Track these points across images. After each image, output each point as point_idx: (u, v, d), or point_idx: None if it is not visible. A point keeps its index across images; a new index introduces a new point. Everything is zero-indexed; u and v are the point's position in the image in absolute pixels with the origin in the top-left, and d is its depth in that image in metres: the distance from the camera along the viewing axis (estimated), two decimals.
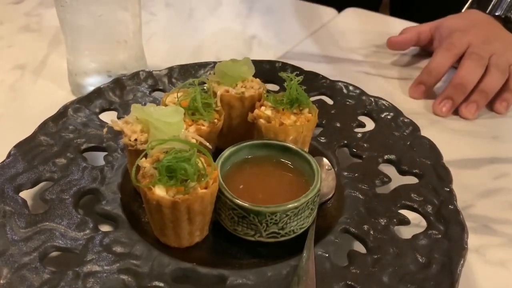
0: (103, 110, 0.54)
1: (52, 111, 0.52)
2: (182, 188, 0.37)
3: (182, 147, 0.39)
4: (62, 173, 0.45)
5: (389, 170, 0.49)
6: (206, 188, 0.38)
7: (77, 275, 0.36)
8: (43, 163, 0.46)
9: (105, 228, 0.42)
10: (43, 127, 0.50)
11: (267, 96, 0.47)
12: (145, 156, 0.39)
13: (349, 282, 0.37)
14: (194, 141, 0.41)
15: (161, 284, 0.36)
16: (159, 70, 0.60)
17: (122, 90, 0.56)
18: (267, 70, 0.61)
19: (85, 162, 0.47)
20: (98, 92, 0.55)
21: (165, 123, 0.40)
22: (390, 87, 0.71)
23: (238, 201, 0.39)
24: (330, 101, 0.58)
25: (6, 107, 0.63)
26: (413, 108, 0.66)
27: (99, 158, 0.49)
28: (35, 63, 0.72)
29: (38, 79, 0.69)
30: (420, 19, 0.84)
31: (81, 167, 0.46)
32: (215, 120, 0.45)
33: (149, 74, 0.59)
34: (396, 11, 1.04)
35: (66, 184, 0.44)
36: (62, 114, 0.52)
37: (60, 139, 0.49)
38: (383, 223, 0.42)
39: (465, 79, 0.64)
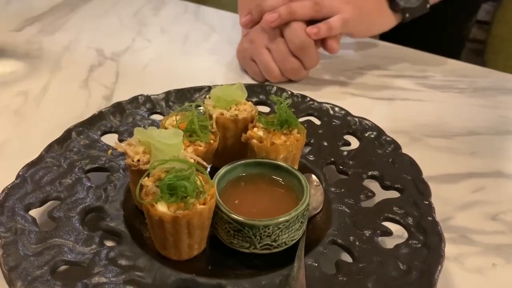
0: (104, 132, 0.57)
1: (55, 134, 0.55)
2: (182, 204, 0.40)
3: (182, 166, 0.42)
4: (68, 192, 0.48)
5: (373, 185, 0.53)
6: (204, 204, 0.41)
7: (86, 286, 0.39)
8: (50, 183, 0.49)
9: (110, 243, 0.45)
10: (49, 149, 0.53)
11: (259, 118, 0.51)
12: (148, 175, 0.42)
13: None
14: (192, 160, 0.44)
15: None
16: (157, 95, 0.64)
17: (122, 114, 0.60)
18: (259, 93, 0.65)
19: (89, 181, 0.50)
20: (99, 116, 0.59)
21: (165, 144, 0.43)
22: (374, 107, 0.75)
23: (233, 215, 0.43)
24: (317, 122, 0.62)
25: (11, 131, 0.66)
26: (396, 127, 0.70)
27: (102, 178, 0.52)
28: (37, 89, 0.75)
29: (41, 104, 0.72)
30: (407, 42, 0.89)
31: (86, 187, 0.49)
32: (211, 141, 0.49)
33: (148, 98, 0.63)
34: (384, 34, 1.09)
35: (72, 202, 0.47)
36: (66, 137, 0.55)
37: (65, 161, 0.52)
38: (367, 235, 0.46)
39: None
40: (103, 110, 0.60)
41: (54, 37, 0.93)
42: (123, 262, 0.42)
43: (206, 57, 0.88)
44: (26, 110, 0.70)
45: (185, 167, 0.42)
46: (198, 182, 0.42)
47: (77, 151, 0.54)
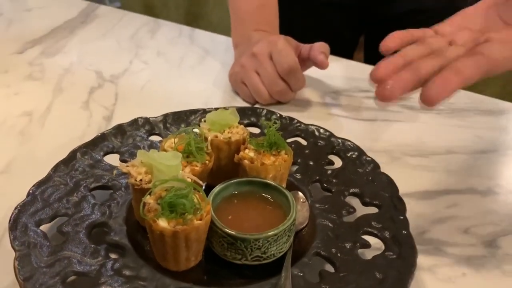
0: (107, 153, 0.62)
1: (59, 152, 0.60)
2: (181, 220, 0.45)
3: (180, 185, 0.47)
4: (75, 209, 0.52)
5: (354, 201, 0.58)
6: (201, 219, 0.46)
7: None
8: (59, 200, 0.53)
9: (114, 255, 0.49)
10: (56, 169, 0.57)
11: (250, 140, 0.56)
12: (150, 193, 0.47)
13: None
14: (189, 180, 0.49)
15: None
16: (155, 117, 0.69)
17: (123, 135, 0.65)
18: (250, 116, 0.70)
19: (94, 199, 0.54)
20: (102, 137, 0.63)
21: (165, 165, 0.48)
22: (357, 128, 0.81)
23: (227, 230, 0.47)
24: (304, 142, 0.67)
25: (17, 151, 0.70)
26: (377, 146, 0.75)
27: (106, 195, 0.56)
28: (41, 110, 0.80)
29: (45, 124, 0.76)
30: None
31: (91, 204, 0.54)
32: (207, 161, 0.54)
33: (147, 120, 0.68)
34: (371, 56, 1.14)
35: (79, 218, 0.51)
36: (71, 157, 0.59)
37: (71, 179, 0.56)
38: (348, 247, 0.51)
39: None
40: (105, 132, 0.64)
41: (55, 59, 0.98)
42: (127, 272, 0.46)
43: (201, 79, 0.93)
44: (31, 130, 0.74)
45: (184, 186, 0.47)
46: (195, 200, 0.46)
47: (82, 170, 0.58)
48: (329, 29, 1.15)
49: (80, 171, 0.58)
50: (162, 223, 0.45)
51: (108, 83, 0.90)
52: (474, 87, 1.22)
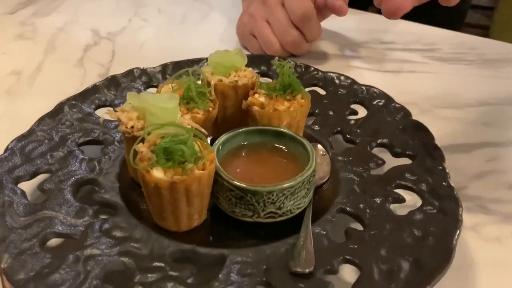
0: (98, 106, 0.55)
1: (48, 111, 0.53)
2: (180, 170, 0.37)
3: (179, 131, 0.39)
4: (60, 165, 0.46)
5: (383, 153, 0.50)
6: (203, 169, 0.38)
7: (77, 259, 0.36)
8: (41, 156, 0.46)
9: (104, 216, 0.42)
10: (40, 123, 0.50)
11: (260, 84, 0.48)
12: (142, 141, 0.40)
13: (348, 257, 0.37)
14: (190, 127, 0.41)
15: (162, 265, 0.37)
16: (153, 67, 0.61)
17: (116, 87, 0.57)
18: (259, 64, 0.62)
19: (82, 154, 0.47)
20: (93, 89, 0.56)
21: (161, 109, 0.40)
22: (380, 80, 0.72)
23: (235, 182, 0.40)
24: (322, 92, 0.59)
25: (2, 110, 0.63)
26: (403, 99, 0.67)
27: (96, 151, 0.49)
28: (30, 69, 0.73)
29: (34, 83, 0.70)
30: (408, 17, 0.85)
31: (79, 159, 0.46)
32: (210, 109, 0.46)
33: (143, 71, 0.60)
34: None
35: (64, 175, 0.44)
36: (58, 110, 0.52)
37: (57, 134, 0.49)
38: (378, 202, 0.43)
39: None
40: (97, 83, 0.57)
41: (48, 19, 0.90)
42: (117, 233, 0.39)
43: (205, 35, 0.85)
44: (19, 89, 0.68)
45: (182, 132, 0.39)
46: (197, 148, 0.39)
47: (69, 124, 0.51)
48: None
49: (67, 125, 0.51)
50: (157, 173, 0.37)
51: (104, 40, 0.82)
52: (507, 37, 1.11)
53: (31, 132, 0.49)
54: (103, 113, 0.50)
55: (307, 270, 0.36)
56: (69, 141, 0.49)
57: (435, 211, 0.42)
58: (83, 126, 0.51)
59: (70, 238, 0.39)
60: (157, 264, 0.37)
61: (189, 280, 0.36)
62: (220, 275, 0.36)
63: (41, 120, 0.51)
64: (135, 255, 0.37)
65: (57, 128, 0.50)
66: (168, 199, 0.38)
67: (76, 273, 0.35)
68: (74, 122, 0.51)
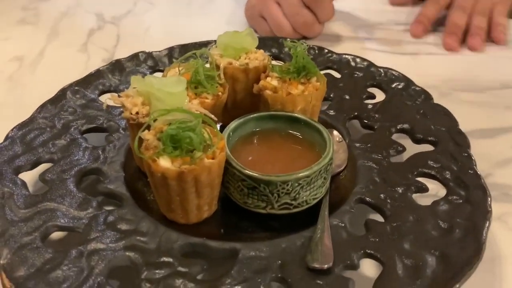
0: (102, 92, 0.52)
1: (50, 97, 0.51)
2: (188, 159, 0.35)
3: (186, 117, 0.37)
4: (62, 154, 0.43)
5: (403, 139, 0.47)
6: (213, 158, 0.36)
7: (81, 254, 0.34)
8: (42, 145, 0.44)
9: (109, 207, 0.40)
10: (41, 110, 0.48)
11: (272, 67, 0.45)
12: (148, 128, 0.37)
13: (369, 251, 0.35)
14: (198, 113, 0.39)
15: (170, 260, 0.34)
16: (159, 51, 0.58)
17: (121, 72, 0.55)
18: (271, 46, 0.59)
19: (86, 142, 0.45)
20: (97, 74, 0.54)
21: (167, 93, 0.38)
22: (397, 62, 0.69)
23: (247, 171, 0.37)
24: (337, 75, 0.56)
25: (4, 97, 0.61)
26: (422, 82, 0.64)
27: (101, 139, 0.47)
28: (33, 54, 0.71)
29: (36, 69, 0.67)
30: None
31: (82, 148, 0.44)
32: (219, 93, 0.43)
33: (149, 55, 0.58)
34: None
35: (66, 164, 0.42)
36: (60, 96, 0.50)
37: (59, 121, 0.47)
38: (400, 191, 0.40)
39: (457, 21, 0.74)
40: (101, 68, 0.54)
41: (51, 3, 0.88)
42: (123, 226, 0.37)
43: (213, 18, 0.82)
44: (21, 76, 0.66)
45: (190, 118, 0.36)
46: (206, 135, 0.36)
47: (72, 111, 0.49)
48: None
49: (70, 112, 0.48)
50: (164, 162, 0.35)
51: (109, 24, 0.80)
52: None
53: (32, 119, 0.47)
54: (107, 99, 0.48)
55: (325, 265, 0.33)
56: (72, 129, 0.46)
57: (461, 201, 0.39)
58: (86, 112, 0.49)
59: (73, 231, 0.37)
60: (165, 259, 0.34)
61: (199, 277, 0.33)
62: (232, 271, 0.33)
63: (42, 106, 0.48)
64: (141, 249, 0.35)
65: (59, 115, 0.48)
66: (176, 190, 0.36)
67: (79, 269, 0.33)
68: (77, 109, 0.49)
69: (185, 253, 0.35)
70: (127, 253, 0.34)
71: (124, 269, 0.34)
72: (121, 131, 0.47)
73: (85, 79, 0.53)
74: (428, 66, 0.69)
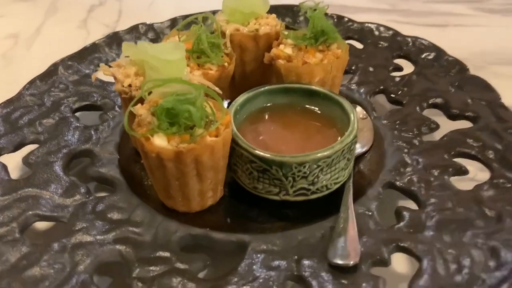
0: (98, 67, 0.47)
1: None
2: (188, 136, 0.30)
3: (186, 89, 0.31)
4: (49, 134, 0.39)
5: (436, 115, 0.41)
6: (216, 136, 0.31)
7: (63, 248, 0.29)
8: (28, 124, 0.39)
9: (100, 194, 0.35)
10: (29, 87, 0.43)
11: (286, 33, 0.40)
12: (142, 102, 0.32)
13: (402, 244, 0.29)
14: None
15: (167, 254, 0.29)
16: (161, 22, 0.53)
17: (119, 45, 0.50)
18: (284, 15, 0.54)
19: (77, 122, 0.40)
20: (92, 48, 0.49)
21: (163, 61, 0.32)
22: (424, 35, 0.62)
23: (257, 151, 0.32)
24: (359, 45, 0.50)
25: None
26: (454, 55, 0.58)
27: (94, 118, 0.42)
28: (29, 31, 0.66)
29: (32, 47, 0.63)
30: None
31: (72, 127, 0.40)
32: (225, 64, 0.38)
33: (150, 27, 0.53)
34: None
35: (54, 145, 0.38)
36: (51, 72, 0.46)
37: (49, 99, 0.43)
38: (435, 174, 0.35)
39: None
40: (97, 41, 0.49)
41: None
42: (114, 215, 0.32)
43: None
44: (15, 53, 0.62)
45: (190, 90, 0.31)
46: (208, 109, 0.31)
47: (64, 87, 0.44)
48: None
49: (61, 89, 0.44)
50: (159, 141, 0.30)
51: (110, 0, 0.74)
52: None
53: (18, 97, 0.42)
54: (97, 70, 0.43)
55: (351, 261, 0.28)
56: (63, 107, 0.42)
57: (509, 185, 0.33)
58: (79, 89, 0.44)
59: (56, 221, 0.32)
60: (161, 253, 0.29)
61: (201, 275, 0.28)
62: (239, 268, 0.28)
63: (31, 83, 0.44)
64: (134, 242, 0.30)
65: (49, 92, 0.43)
66: (174, 173, 0.31)
67: (61, 266, 0.28)
68: (69, 85, 0.44)
69: (185, 247, 0.31)
70: (117, 247, 0.30)
71: (114, 266, 0.29)
72: (117, 109, 0.42)
73: (79, 53, 0.48)
74: (458, 38, 0.63)
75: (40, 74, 0.45)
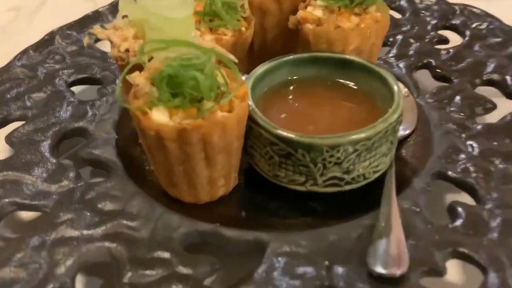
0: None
1: None
2: (194, 110, 0.24)
3: (192, 52, 0.25)
4: (38, 110, 0.34)
5: (492, 94, 0.35)
6: (230, 111, 0.25)
7: (42, 244, 0.24)
8: (16, 99, 0.35)
9: (92, 180, 0.30)
10: (21, 57, 0.39)
11: None
12: (140, 70, 0.26)
13: (459, 249, 0.24)
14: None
15: (167, 255, 0.24)
16: None
17: None
18: None
19: (72, 96, 0.35)
20: (94, 16, 0.44)
21: (167, 20, 0.27)
22: (474, 2, 0.56)
23: (279, 131, 0.26)
24: (397, 15, 0.44)
25: None
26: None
27: (92, 93, 0.37)
28: (33, 4, 0.62)
29: (35, 19, 0.59)
30: None
31: (66, 102, 0.35)
32: (242, 29, 0.32)
33: None
34: None
35: (42, 122, 0.33)
36: (47, 41, 0.41)
37: (42, 71, 0.38)
38: (496, 163, 0.29)
39: None
40: (100, 9, 0.44)
41: None
42: (106, 205, 0.27)
43: None
44: (16, 27, 0.57)
45: (198, 54, 0.25)
46: (220, 78, 0.25)
47: (60, 59, 0.40)
48: None
49: (56, 60, 0.40)
50: (159, 115, 0.24)
51: None
52: None
53: (7, 68, 0.38)
54: (106, 47, 0.38)
55: (398, 271, 0.22)
56: (57, 80, 0.37)
57: None
58: (77, 60, 0.40)
59: (36, 211, 0.27)
60: (160, 254, 0.24)
61: (207, 281, 0.23)
62: (255, 274, 0.23)
63: (23, 53, 0.39)
64: (127, 239, 0.25)
65: (43, 64, 0.39)
66: (178, 156, 0.25)
67: (37, 267, 0.23)
68: (66, 56, 0.40)
69: (190, 246, 0.26)
70: (106, 244, 0.24)
71: (100, 268, 0.24)
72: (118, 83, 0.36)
73: (79, 21, 0.44)
74: (508, 12, 0.55)
75: (34, 44, 0.40)
